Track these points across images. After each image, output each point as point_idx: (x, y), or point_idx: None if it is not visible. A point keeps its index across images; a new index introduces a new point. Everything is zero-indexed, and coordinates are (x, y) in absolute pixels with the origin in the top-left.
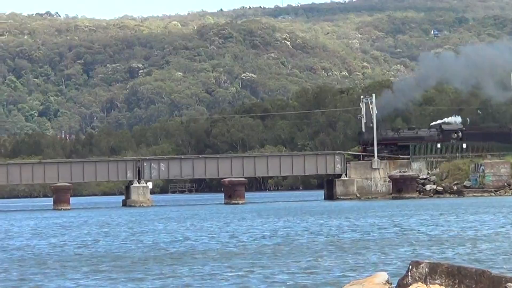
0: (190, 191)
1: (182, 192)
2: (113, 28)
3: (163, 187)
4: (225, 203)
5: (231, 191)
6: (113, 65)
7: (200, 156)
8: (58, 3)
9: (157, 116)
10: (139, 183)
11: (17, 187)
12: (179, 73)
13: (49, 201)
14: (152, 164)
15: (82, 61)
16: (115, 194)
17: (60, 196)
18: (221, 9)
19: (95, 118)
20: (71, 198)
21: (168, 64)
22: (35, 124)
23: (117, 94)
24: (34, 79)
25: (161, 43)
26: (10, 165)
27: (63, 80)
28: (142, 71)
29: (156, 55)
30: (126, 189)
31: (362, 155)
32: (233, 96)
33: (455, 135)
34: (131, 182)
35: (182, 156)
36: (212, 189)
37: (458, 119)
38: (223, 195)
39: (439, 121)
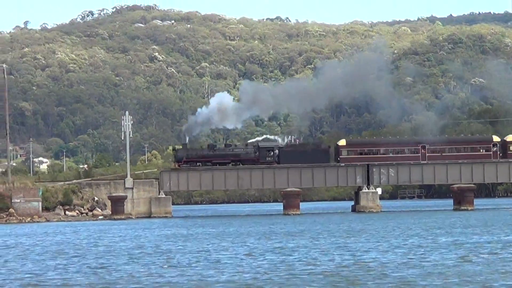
0: (419, 197)
1: (411, 198)
2: (343, 33)
3: (392, 193)
4: (454, 209)
5: (460, 197)
6: (343, 70)
7: (429, 162)
8: (288, 8)
9: (386, 121)
10: (368, 188)
11: (248, 191)
12: (409, 78)
13: (279, 206)
14: (382, 170)
15: (312, 65)
16: (344, 200)
17: (289, 201)
18: (451, 14)
19: (324, 122)
20: (300, 203)
21: (397, 69)
22: (265, 128)
23: (346, 99)
24: (265, 84)
25: (390, 48)
26: (240, 170)
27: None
28: (372, 75)
29: (385, 60)
30: (355, 195)
31: None
32: (462, 102)
33: (272, 153)
34: (360, 188)
35: (412, 162)
36: (441, 195)
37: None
38: (452, 201)
39: (257, 139)
